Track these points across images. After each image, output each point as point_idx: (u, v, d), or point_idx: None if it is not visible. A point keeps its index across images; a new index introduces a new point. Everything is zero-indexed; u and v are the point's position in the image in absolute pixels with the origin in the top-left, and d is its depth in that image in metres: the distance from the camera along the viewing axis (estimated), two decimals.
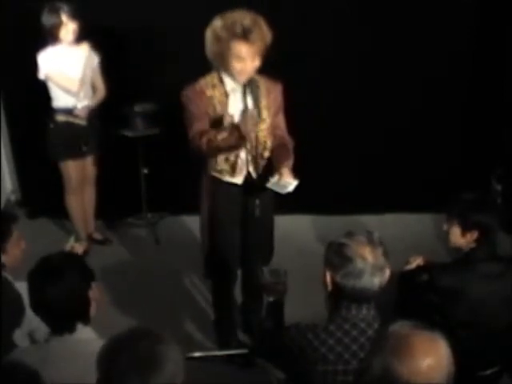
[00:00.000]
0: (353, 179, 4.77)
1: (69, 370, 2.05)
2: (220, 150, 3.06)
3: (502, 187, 4.56)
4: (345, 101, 4.57)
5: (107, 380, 1.67)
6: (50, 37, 4.01)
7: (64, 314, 2.12)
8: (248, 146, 3.09)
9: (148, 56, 4.47)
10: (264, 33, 2.98)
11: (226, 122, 3.02)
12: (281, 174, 2.98)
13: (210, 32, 3.00)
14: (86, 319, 2.17)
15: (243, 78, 3.05)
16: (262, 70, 3.10)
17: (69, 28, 3.98)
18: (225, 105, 3.08)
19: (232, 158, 3.13)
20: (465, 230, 2.74)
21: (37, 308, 2.15)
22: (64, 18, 3.95)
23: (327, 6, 4.35)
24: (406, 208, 4.77)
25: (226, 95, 3.08)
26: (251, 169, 3.17)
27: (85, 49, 4.13)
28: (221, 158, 3.13)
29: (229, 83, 3.09)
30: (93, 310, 2.20)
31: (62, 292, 2.09)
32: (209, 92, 3.08)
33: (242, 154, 3.13)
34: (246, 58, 2.97)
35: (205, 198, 3.27)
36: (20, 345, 2.55)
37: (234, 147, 3.05)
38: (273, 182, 2.99)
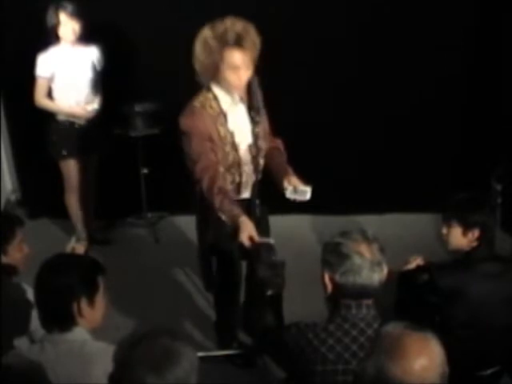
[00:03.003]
0: (352, 179, 4.77)
1: (64, 370, 2.05)
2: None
3: (501, 187, 4.56)
4: (345, 100, 4.57)
5: (122, 372, 1.66)
6: (52, 36, 4.00)
7: (61, 311, 2.11)
8: (250, 159, 3.08)
9: (148, 55, 4.47)
10: (255, 39, 2.88)
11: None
12: (294, 185, 3.00)
13: (199, 43, 2.87)
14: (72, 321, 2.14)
15: (238, 90, 2.96)
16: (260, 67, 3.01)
17: (68, 27, 3.96)
18: (223, 124, 2.98)
19: (237, 178, 3.09)
20: (466, 229, 2.73)
21: (38, 298, 2.15)
22: (63, 16, 3.93)
23: (328, 1, 4.35)
24: (406, 208, 4.77)
25: (224, 114, 2.99)
26: (254, 179, 3.15)
27: (93, 52, 4.15)
28: (227, 180, 3.03)
29: (224, 100, 2.98)
30: (98, 317, 2.21)
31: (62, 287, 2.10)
32: (207, 114, 2.94)
33: (246, 169, 3.10)
34: (241, 67, 2.86)
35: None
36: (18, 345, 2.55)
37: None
38: (290, 193, 3.01)
